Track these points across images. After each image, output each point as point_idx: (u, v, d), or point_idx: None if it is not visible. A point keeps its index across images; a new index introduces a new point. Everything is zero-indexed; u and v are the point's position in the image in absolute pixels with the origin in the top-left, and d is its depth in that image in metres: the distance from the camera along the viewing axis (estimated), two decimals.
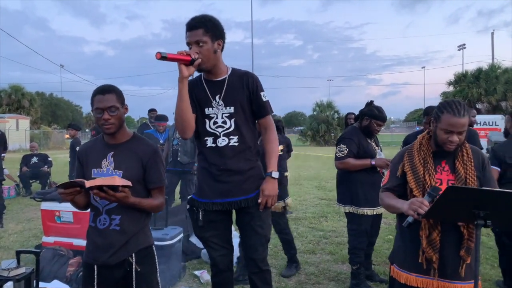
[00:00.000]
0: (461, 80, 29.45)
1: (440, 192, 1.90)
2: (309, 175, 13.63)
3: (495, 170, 3.61)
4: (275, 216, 4.09)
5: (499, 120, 18.43)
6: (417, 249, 2.10)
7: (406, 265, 2.18)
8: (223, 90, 2.45)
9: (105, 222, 2.14)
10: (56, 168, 11.21)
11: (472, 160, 2.13)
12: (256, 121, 2.58)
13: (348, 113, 7.10)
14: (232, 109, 2.45)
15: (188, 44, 2.35)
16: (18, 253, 2.94)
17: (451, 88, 30.26)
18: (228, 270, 2.58)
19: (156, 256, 2.27)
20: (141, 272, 2.16)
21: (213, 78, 2.47)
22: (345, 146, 3.79)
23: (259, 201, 2.45)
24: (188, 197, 2.62)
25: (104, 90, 2.11)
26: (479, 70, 28.95)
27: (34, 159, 10.10)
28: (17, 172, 10.08)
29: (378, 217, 4.00)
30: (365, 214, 3.78)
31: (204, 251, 4.67)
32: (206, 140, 2.48)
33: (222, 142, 2.45)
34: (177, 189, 7.12)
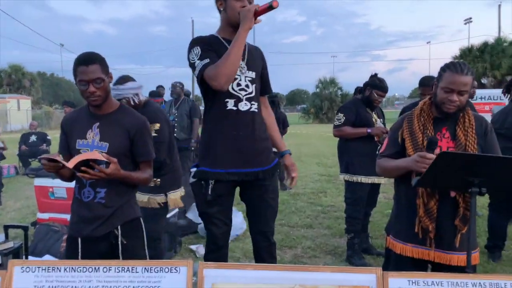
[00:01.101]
0: (466, 54, 28.92)
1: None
2: (310, 152, 13.58)
3: None
4: (149, 218, 2.91)
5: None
6: (413, 218, 2.03)
7: (402, 235, 2.12)
8: (246, 54, 2.36)
9: (89, 195, 2.08)
10: (56, 146, 11.20)
11: (474, 127, 2.02)
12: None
13: (358, 87, 7.13)
14: (253, 75, 2.38)
15: None
16: (6, 228, 2.91)
17: None
18: (226, 246, 2.50)
19: (144, 229, 2.22)
20: (128, 245, 2.11)
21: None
22: (342, 115, 3.86)
23: (293, 175, 2.49)
24: (193, 170, 2.43)
25: (87, 61, 1.99)
26: (485, 44, 28.40)
27: (33, 138, 10.07)
28: (16, 150, 10.06)
29: (375, 187, 3.99)
30: (360, 181, 3.80)
31: (201, 226, 4.64)
32: (227, 102, 2.29)
33: (244, 106, 2.32)
34: None
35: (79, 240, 2.10)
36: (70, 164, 1.81)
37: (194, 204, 4.92)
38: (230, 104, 2.30)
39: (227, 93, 2.28)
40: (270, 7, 2.12)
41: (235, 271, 1.49)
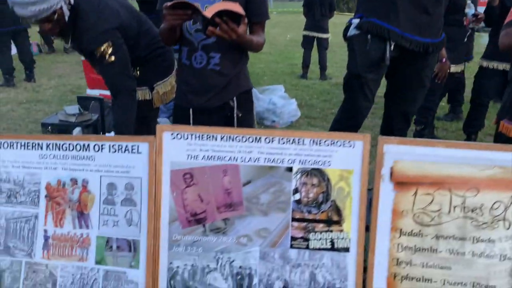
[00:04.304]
0: None
1: None
2: (339, 42, 12.92)
3: None
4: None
5: None
6: None
7: None
8: None
9: (202, 60, 1.80)
10: None
11: None
12: None
13: None
14: None
15: None
16: (80, 100, 2.69)
17: None
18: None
19: (254, 101, 2.00)
20: (242, 119, 1.90)
21: None
22: None
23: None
24: (356, 21, 2.07)
25: None
26: None
27: None
28: (36, 27, 9.50)
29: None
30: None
31: None
32: None
33: None
34: None
35: (191, 111, 1.88)
36: (209, 12, 1.49)
37: None
38: None
39: None
40: None
41: (422, 148, 1.28)
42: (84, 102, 3.19)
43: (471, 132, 3.72)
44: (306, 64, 7.09)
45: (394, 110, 2.27)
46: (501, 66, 3.43)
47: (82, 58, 4.35)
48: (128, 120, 2.18)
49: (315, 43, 7.04)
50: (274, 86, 5.00)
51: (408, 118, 2.27)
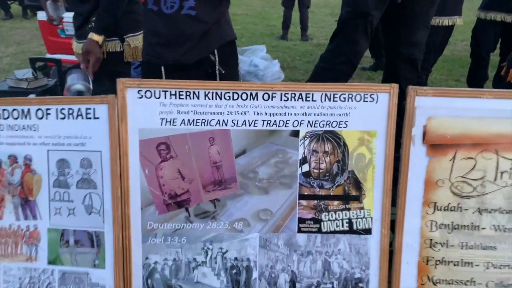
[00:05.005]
0: None
1: None
2: (318, 2, 12.52)
3: None
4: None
5: None
6: None
7: None
8: None
9: (174, 3, 1.47)
10: None
11: None
12: None
13: None
14: None
15: None
16: (33, 61, 2.29)
17: None
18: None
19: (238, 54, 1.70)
20: (226, 76, 1.59)
21: None
22: None
23: None
24: None
25: None
26: None
27: None
28: None
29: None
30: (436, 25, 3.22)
31: None
32: None
33: None
34: None
35: (162, 69, 1.55)
36: None
37: None
38: None
39: None
40: None
41: (463, 100, 1.00)
42: (42, 67, 2.79)
43: (475, 85, 3.52)
44: (287, 24, 6.72)
45: (400, 57, 2.03)
46: (499, 16, 3.20)
47: (42, 17, 3.89)
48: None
49: (296, 1, 6.66)
50: (255, 46, 4.64)
51: (416, 65, 2.03)
